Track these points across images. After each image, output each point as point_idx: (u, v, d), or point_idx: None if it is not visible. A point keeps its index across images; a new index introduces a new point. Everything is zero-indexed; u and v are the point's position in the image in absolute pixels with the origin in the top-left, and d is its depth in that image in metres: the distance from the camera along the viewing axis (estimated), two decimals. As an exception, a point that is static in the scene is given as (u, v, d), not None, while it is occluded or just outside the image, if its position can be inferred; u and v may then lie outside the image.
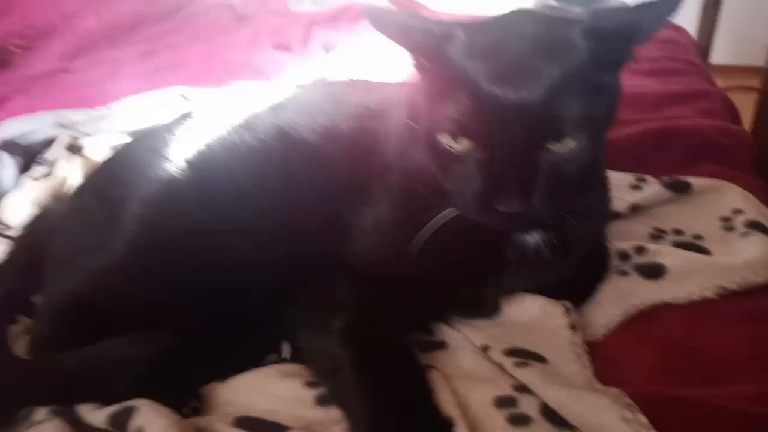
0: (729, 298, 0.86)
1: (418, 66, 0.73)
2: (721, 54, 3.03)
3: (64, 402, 0.74)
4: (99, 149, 1.31)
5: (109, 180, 0.98)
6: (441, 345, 0.84)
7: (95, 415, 0.71)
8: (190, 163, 0.88)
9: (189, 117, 1.01)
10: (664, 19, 0.69)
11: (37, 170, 1.30)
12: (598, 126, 0.69)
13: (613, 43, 0.68)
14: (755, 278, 0.88)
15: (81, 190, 1.04)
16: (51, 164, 1.32)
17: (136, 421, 0.67)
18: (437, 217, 0.74)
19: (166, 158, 0.90)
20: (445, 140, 0.69)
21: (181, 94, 1.57)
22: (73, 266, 0.88)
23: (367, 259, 0.82)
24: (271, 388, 0.77)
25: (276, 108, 0.97)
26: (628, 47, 0.70)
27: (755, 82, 1.96)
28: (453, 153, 0.69)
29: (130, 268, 0.83)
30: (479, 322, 0.87)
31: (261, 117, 0.94)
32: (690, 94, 1.60)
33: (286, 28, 2.13)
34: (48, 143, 1.38)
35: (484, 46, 0.68)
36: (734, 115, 1.65)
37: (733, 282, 0.87)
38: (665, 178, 1.15)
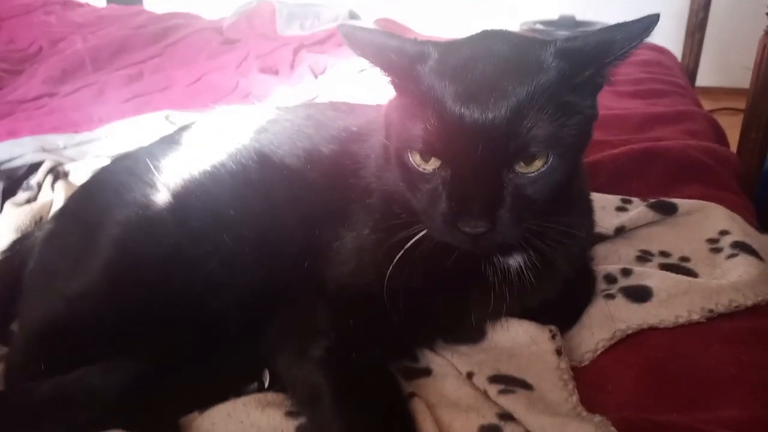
0: (715, 320, 0.86)
1: (393, 84, 0.73)
2: (707, 77, 3.07)
3: (34, 432, 0.72)
4: (84, 174, 1.30)
5: (85, 203, 0.97)
6: (425, 372, 0.82)
7: (67, 448, 0.69)
8: (169, 187, 0.87)
9: (169, 140, 1.00)
10: (638, 40, 0.68)
11: (21, 196, 1.29)
12: (569, 148, 0.68)
13: (585, 63, 0.68)
14: (742, 300, 0.87)
15: (58, 215, 1.03)
16: (35, 190, 1.30)
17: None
18: (413, 240, 0.73)
19: (145, 181, 0.89)
20: (414, 159, 0.69)
21: (166, 118, 1.56)
22: (47, 292, 0.86)
23: (347, 283, 0.80)
24: (251, 419, 0.75)
25: (257, 132, 0.96)
26: (601, 68, 0.70)
27: (742, 104, 1.98)
28: (421, 172, 0.69)
29: (104, 294, 0.81)
30: (465, 348, 0.85)
31: (242, 141, 0.94)
32: (675, 116, 1.61)
33: (274, 52, 2.14)
34: (33, 168, 1.37)
35: (453, 66, 0.67)
36: (720, 136, 1.66)
37: (720, 304, 0.86)
38: (651, 199, 1.15)
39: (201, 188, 0.87)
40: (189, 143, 0.97)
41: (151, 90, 1.84)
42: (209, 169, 0.89)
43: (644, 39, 0.68)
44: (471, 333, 0.86)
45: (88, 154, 1.42)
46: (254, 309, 0.82)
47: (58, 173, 1.34)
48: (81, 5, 3.04)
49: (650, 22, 0.67)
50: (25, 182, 1.33)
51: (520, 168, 0.66)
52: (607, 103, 1.72)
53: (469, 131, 0.64)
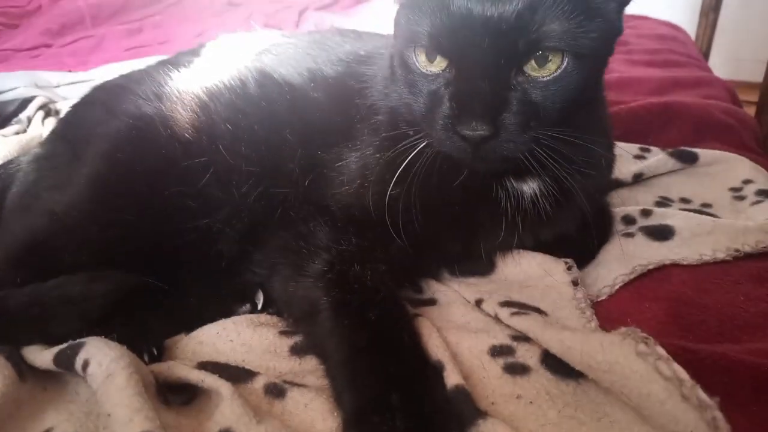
0: (741, 259, 0.80)
1: None
2: (718, 70, 3.02)
3: (8, 342, 0.66)
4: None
5: (74, 122, 0.92)
6: (430, 302, 0.77)
7: (42, 356, 0.63)
8: (162, 99, 0.81)
9: (167, 61, 0.95)
10: None
11: (10, 128, 1.23)
12: (588, 53, 0.62)
13: None
14: (770, 241, 0.81)
15: (46, 139, 0.97)
16: (25, 123, 1.25)
17: (82, 355, 0.59)
18: (414, 152, 0.68)
19: (137, 94, 0.83)
20: (419, 60, 0.65)
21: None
22: (30, 209, 0.81)
23: (350, 203, 0.75)
24: (242, 337, 0.69)
25: (260, 53, 0.91)
26: None
27: (753, 97, 1.93)
28: (426, 74, 0.65)
29: (91, 205, 0.75)
30: (473, 280, 0.80)
31: (243, 59, 0.88)
32: (694, 81, 1.54)
33: (279, 13, 2.09)
34: (24, 105, 1.31)
35: None
36: (738, 105, 1.60)
37: (746, 245, 0.81)
38: (670, 149, 1.09)
39: (196, 101, 0.81)
40: (188, 63, 0.91)
41: (150, 42, 1.78)
42: (205, 83, 0.83)
43: None
44: (479, 263, 0.80)
45: (81, 94, 1.35)
46: (250, 227, 0.76)
47: (49, 110, 1.28)
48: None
49: None
50: (16, 116, 1.26)
51: (532, 70, 0.61)
52: (622, 68, 1.66)
53: (476, 25, 0.60)
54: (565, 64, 0.61)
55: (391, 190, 0.71)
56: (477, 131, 0.60)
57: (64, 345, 0.62)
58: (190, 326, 0.72)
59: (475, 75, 0.61)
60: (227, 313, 0.74)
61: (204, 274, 0.76)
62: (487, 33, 0.59)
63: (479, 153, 0.63)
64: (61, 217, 0.76)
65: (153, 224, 0.74)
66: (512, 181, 0.73)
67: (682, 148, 1.09)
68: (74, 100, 1.29)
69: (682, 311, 0.72)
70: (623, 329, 0.56)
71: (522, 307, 0.69)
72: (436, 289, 0.79)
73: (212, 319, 0.73)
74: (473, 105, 0.61)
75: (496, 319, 0.69)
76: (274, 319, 0.73)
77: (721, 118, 1.27)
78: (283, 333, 0.69)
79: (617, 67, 1.68)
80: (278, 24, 1.98)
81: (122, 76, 0.96)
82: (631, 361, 0.52)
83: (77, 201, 0.76)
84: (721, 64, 2.84)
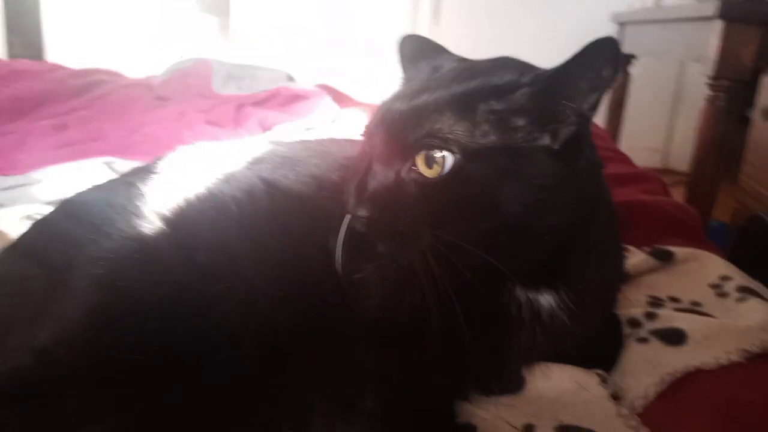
0: (754, 360, 0.82)
1: None
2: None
3: None
4: (15, 222, 1.10)
5: (46, 241, 0.80)
6: (469, 428, 0.72)
7: None
8: (164, 217, 0.74)
9: (146, 170, 0.87)
10: (592, 68, 0.61)
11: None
12: (489, 165, 0.61)
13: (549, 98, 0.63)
14: (773, 341, 0.84)
15: (2, 257, 0.85)
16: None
17: None
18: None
19: (129, 211, 0.75)
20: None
21: (108, 165, 1.40)
22: (3, 344, 0.69)
23: (378, 318, 0.70)
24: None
25: (253, 162, 0.86)
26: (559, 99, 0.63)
27: None
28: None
29: (87, 343, 0.65)
30: (506, 399, 0.76)
31: (239, 169, 0.83)
32: (632, 177, 1.64)
33: (215, 109, 2.04)
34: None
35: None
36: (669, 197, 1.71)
37: (753, 345, 0.83)
38: (646, 248, 1.13)
39: (204, 218, 0.74)
40: (173, 173, 0.84)
41: (83, 139, 1.66)
42: (210, 196, 0.77)
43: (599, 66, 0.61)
44: (509, 379, 0.77)
45: (19, 201, 1.22)
46: (275, 354, 0.69)
47: (-19, 220, 1.14)
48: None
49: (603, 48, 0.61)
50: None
51: (423, 168, 0.62)
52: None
53: (382, 118, 0.66)
54: (450, 165, 0.61)
55: (411, 299, 0.67)
56: (353, 209, 0.64)
57: None
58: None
59: (374, 161, 0.65)
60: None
61: (226, 415, 0.67)
62: (386, 124, 0.65)
63: (359, 224, 0.65)
64: (48, 356, 0.65)
65: (165, 361, 0.65)
66: (522, 290, 0.71)
67: (657, 246, 1.13)
68: (12, 207, 1.18)
69: (728, 415, 0.71)
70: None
71: (580, 432, 0.66)
72: (472, 413, 0.74)
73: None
74: (359, 186, 0.65)
75: (557, 448, 0.65)
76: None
77: (673, 213, 1.35)
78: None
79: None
80: (217, 120, 1.92)
81: (96, 188, 0.87)
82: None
83: (68, 337, 0.66)
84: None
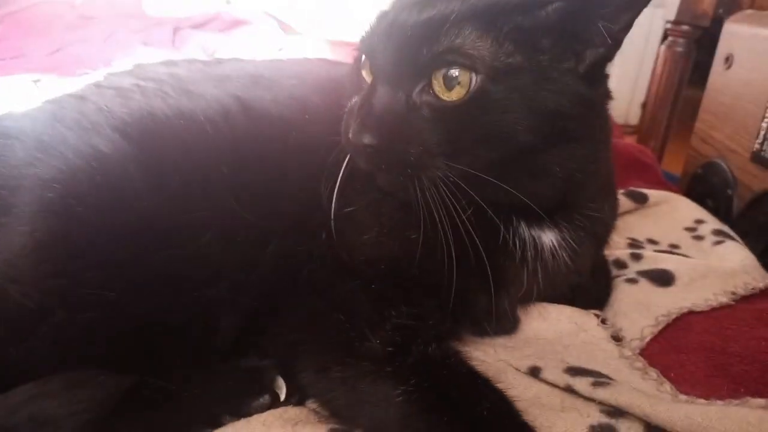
0: (740, 302, 0.82)
1: None
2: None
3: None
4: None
5: None
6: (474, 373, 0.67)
7: None
8: (128, 135, 0.63)
9: (100, 85, 0.75)
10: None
11: None
12: (514, 86, 0.55)
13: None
14: (755, 283, 0.84)
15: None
16: None
17: None
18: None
19: (85, 127, 0.64)
20: (364, 71, 0.62)
21: (35, 83, 1.24)
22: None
23: (376, 256, 0.64)
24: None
25: (220, 79, 0.76)
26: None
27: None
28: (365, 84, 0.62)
29: (41, 275, 0.55)
30: (502, 340, 0.72)
31: (203, 87, 0.73)
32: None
33: (149, 30, 1.85)
34: None
35: None
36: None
37: (738, 287, 0.83)
38: (622, 189, 1.11)
39: (174, 137, 0.64)
40: (131, 87, 0.73)
41: (1, 56, 1.47)
42: (179, 114, 0.67)
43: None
44: (505, 319, 0.72)
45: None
46: (255, 293, 0.61)
47: None
48: None
49: None
50: None
51: (440, 91, 0.55)
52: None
53: (388, 30, 0.57)
54: (475, 86, 0.55)
55: (410, 232, 0.61)
56: (357, 137, 0.56)
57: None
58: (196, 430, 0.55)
59: (379, 82, 0.58)
60: (240, 409, 0.58)
61: (204, 361, 0.59)
62: (393, 38, 0.57)
63: (360, 155, 0.58)
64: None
65: (137, 300, 0.56)
66: (526, 227, 0.67)
67: (632, 188, 1.11)
68: None
69: (721, 362, 0.70)
70: (757, 401, 0.52)
71: (593, 375, 0.62)
72: (468, 355, 0.69)
73: (215, 420, 0.57)
74: (363, 110, 0.57)
75: (569, 390, 0.61)
76: (305, 411, 0.59)
77: (639, 158, 1.34)
78: (335, 432, 0.55)
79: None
80: (152, 42, 1.75)
81: (47, 103, 0.74)
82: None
83: (19, 275, 0.55)
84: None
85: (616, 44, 0.59)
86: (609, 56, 0.60)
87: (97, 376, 0.52)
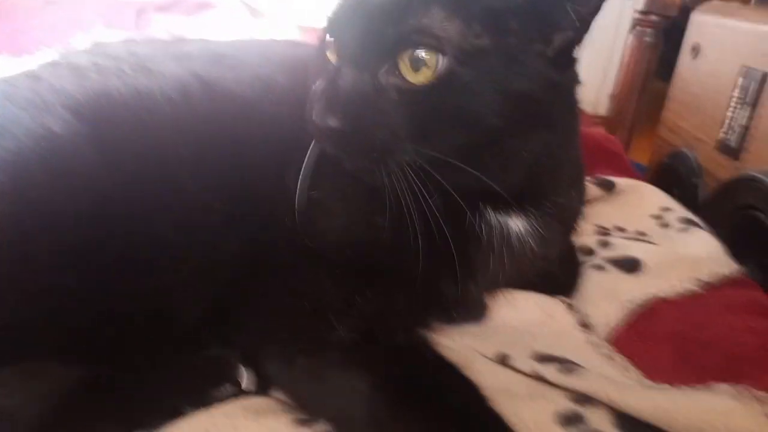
0: (707, 290, 0.82)
1: None
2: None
3: None
4: None
5: None
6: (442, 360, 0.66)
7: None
8: (82, 114, 0.61)
9: (55, 64, 0.72)
10: None
11: None
12: (484, 70, 0.54)
13: None
14: (723, 270, 0.85)
15: None
16: None
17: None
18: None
19: (37, 106, 0.61)
20: (330, 53, 0.60)
21: (-10, 64, 1.19)
22: None
23: (342, 241, 0.62)
24: (243, 434, 0.52)
25: (181, 57, 0.74)
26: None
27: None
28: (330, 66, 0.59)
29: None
30: (470, 328, 0.71)
31: (163, 65, 0.70)
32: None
33: (112, 11, 1.80)
34: None
35: None
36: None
37: (704, 274, 0.83)
38: (588, 177, 1.11)
39: (130, 116, 0.62)
40: (86, 66, 0.70)
41: (-47, 37, 1.41)
42: (135, 92, 0.64)
43: None
44: (473, 307, 0.72)
45: None
46: (217, 281, 0.60)
47: None
48: None
49: None
50: None
51: (407, 73, 0.53)
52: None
53: (352, 9, 0.56)
54: (442, 68, 0.53)
55: (378, 217, 0.60)
56: (320, 120, 0.54)
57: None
58: (153, 422, 0.54)
59: (344, 63, 0.56)
60: (200, 399, 0.56)
61: (163, 351, 0.57)
62: (359, 17, 0.55)
63: (322, 137, 0.57)
64: None
65: (94, 287, 0.54)
66: (493, 213, 0.66)
67: (600, 175, 1.11)
68: None
69: (689, 350, 0.71)
70: (723, 386, 0.52)
71: (560, 362, 0.62)
72: (436, 342, 0.68)
73: (175, 410, 0.55)
74: (327, 91, 0.55)
75: (537, 378, 0.61)
76: (270, 401, 0.57)
77: (607, 146, 1.34)
78: (300, 422, 0.53)
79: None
80: (119, 25, 1.70)
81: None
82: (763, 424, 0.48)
83: None
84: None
85: (585, 27, 0.58)
86: (577, 39, 0.59)
87: (53, 367, 0.50)
